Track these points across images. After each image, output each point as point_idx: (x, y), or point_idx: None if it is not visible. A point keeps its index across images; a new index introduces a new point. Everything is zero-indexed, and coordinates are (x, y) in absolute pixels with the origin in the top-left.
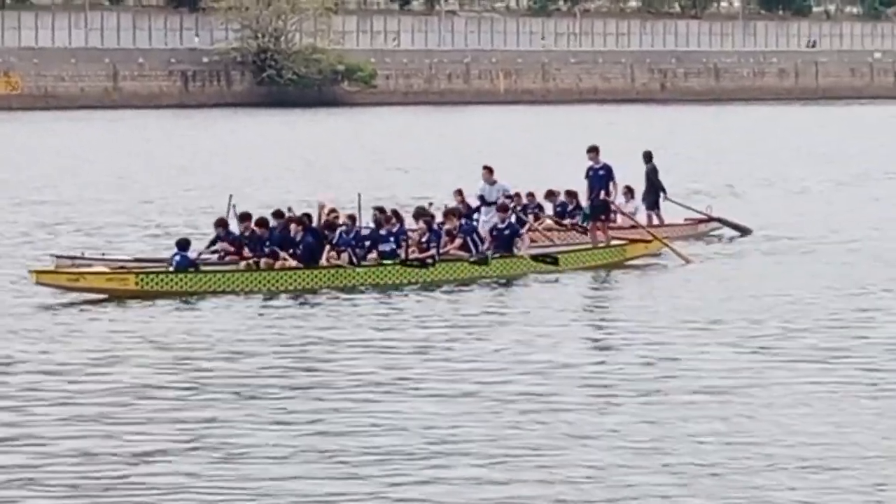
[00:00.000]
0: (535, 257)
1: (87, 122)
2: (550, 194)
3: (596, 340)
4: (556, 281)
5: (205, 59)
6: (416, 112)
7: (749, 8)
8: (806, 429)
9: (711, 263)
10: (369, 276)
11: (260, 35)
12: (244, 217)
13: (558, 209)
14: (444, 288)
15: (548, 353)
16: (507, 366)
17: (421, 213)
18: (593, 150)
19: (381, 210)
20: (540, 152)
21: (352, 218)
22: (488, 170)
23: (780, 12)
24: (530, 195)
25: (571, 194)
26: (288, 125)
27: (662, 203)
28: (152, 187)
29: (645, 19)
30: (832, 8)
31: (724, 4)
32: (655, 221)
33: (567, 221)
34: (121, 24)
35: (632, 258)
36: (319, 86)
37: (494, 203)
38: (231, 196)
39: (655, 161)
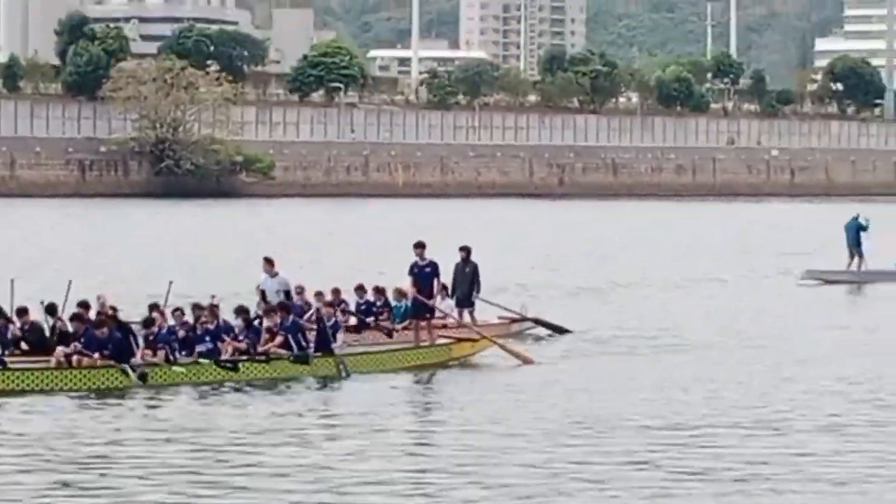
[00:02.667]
0: (353, 357)
1: None
2: (360, 289)
3: (411, 443)
4: (376, 381)
5: (102, 149)
6: (313, 204)
7: (647, 104)
8: None
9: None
10: (185, 375)
11: (158, 125)
12: (21, 312)
13: (363, 306)
14: (262, 386)
15: (362, 461)
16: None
17: (239, 311)
18: (420, 247)
19: (198, 307)
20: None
21: (180, 311)
22: (269, 262)
23: (678, 109)
24: (335, 291)
25: (380, 291)
26: (179, 216)
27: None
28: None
29: (543, 114)
30: (729, 105)
31: (622, 100)
32: (468, 319)
33: (370, 320)
34: (18, 112)
35: (458, 357)
36: (218, 176)
37: (279, 293)
38: (70, 282)
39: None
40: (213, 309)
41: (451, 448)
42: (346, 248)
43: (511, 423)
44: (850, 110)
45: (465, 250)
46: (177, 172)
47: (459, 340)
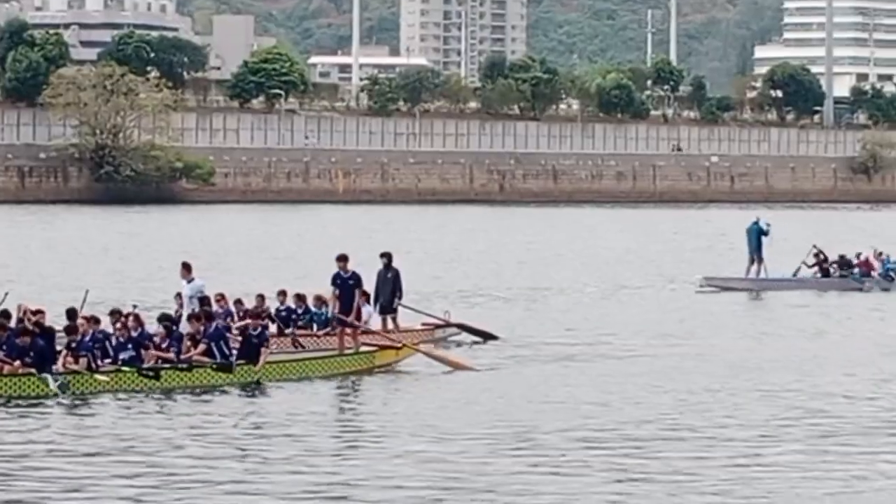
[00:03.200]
0: (284, 364)
1: None
2: (281, 294)
3: (334, 451)
4: (300, 388)
5: (42, 155)
6: (253, 210)
7: (587, 111)
8: None
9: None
10: (107, 384)
11: (98, 131)
12: None
13: (283, 313)
14: (188, 394)
15: (286, 469)
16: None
17: (161, 318)
18: (343, 259)
19: (117, 313)
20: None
21: (95, 320)
22: (186, 267)
23: (619, 115)
24: (259, 297)
25: (301, 297)
26: (117, 223)
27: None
28: None
29: (484, 120)
30: (669, 112)
31: (563, 107)
32: (391, 326)
33: (289, 330)
34: None
35: (382, 365)
36: (157, 183)
37: (193, 300)
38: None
39: (395, 263)
40: (137, 317)
41: (375, 456)
42: (279, 255)
43: (437, 430)
44: (790, 117)
45: (387, 256)
46: (117, 179)
47: (383, 348)
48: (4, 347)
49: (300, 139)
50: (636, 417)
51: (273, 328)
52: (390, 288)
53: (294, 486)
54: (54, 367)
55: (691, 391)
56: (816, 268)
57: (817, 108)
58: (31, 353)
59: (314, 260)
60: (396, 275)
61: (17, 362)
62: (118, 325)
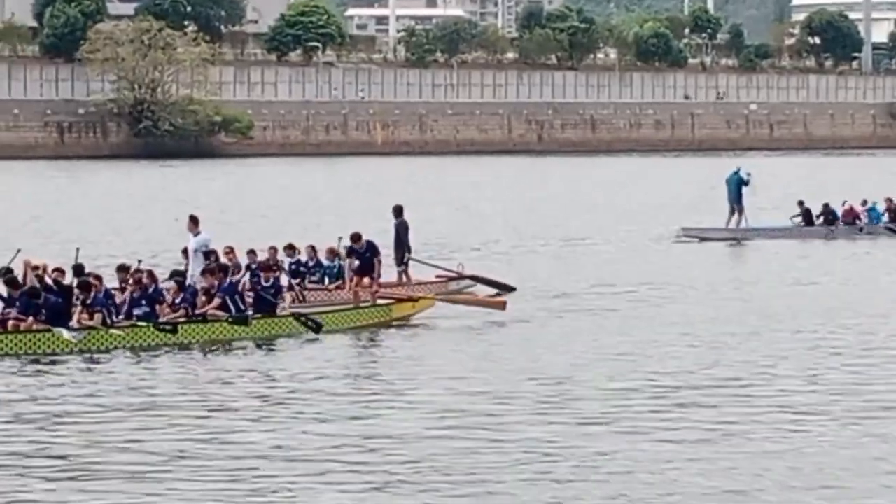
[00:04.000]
0: (298, 318)
1: None
2: (290, 248)
3: (355, 405)
4: (318, 341)
5: (81, 111)
6: (291, 163)
7: (625, 60)
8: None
9: (473, 322)
10: (122, 339)
11: (136, 86)
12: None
13: (293, 266)
14: (201, 349)
15: (306, 424)
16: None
17: (173, 274)
18: (356, 240)
19: (124, 269)
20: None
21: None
22: (193, 220)
23: (657, 64)
24: (272, 249)
25: (313, 249)
26: (155, 177)
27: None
28: None
29: (522, 70)
30: (707, 60)
31: (600, 56)
32: (403, 279)
33: (295, 282)
34: None
35: (399, 318)
36: (196, 137)
37: (198, 253)
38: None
39: (406, 216)
40: (151, 272)
41: (396, 410)
42: (315, 207)
43: (459, 382)
44: (828, 64)
45: (397, 210)
46: (155, 133)
47: (400, 301)
48: (18, 305)
49: (338, 92)
50: (673, 368)
51: (285, 280)
52: (401, 241)
53: (313, 440)
54: (70, 324)
55: (726, 342)
56: (800, 217)
57: (856, 54)
58: (44, 310)
59: (352, 212)
60: (406, 229)
61: (31, 319)
62: (131, 281)
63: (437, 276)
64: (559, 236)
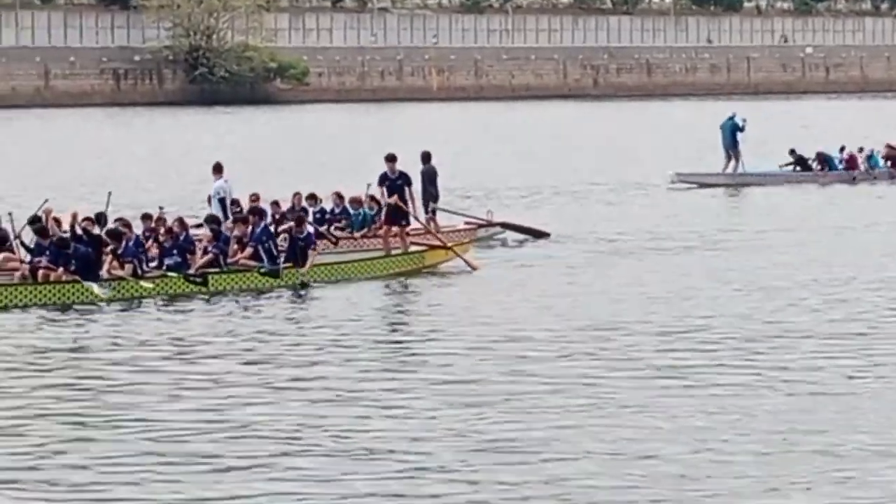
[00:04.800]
0: (330, 266)
1: (18, 121)
2: (311, 198)
3: (397, 348)
4: (349, 289)
5: (136, 58)
6: (348, 109)
7: (681, 3)
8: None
9: (502, 269)
10: (153, 290)
11: (192, 33)
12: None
13: (317, 215)
14: (233, 299)
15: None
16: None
17: (209, 220)
18: (391, 160)
19: (148, 217)
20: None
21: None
22: (217, 168)
23: (712, 8)
24: (296, 195)
25: (340, 197)
26: (211, 123)
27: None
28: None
29: (577, 15)
30: (763, 3)
31: (655, 0)
32: (431, 226)
33: (323, 228)
34: (52, 23)
35: (431, 265)
36: (252, 84)
37: (214, 200)
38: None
39: (434, 162)
40: (182, 220)
41: (437, 361)
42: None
43: (497, 328)
44: (885, 7)
45: (426, 155)
46: (211, 80)
47: (432, 248)
48: (48, 254)
49: (393, 38)
50: (712, 312)
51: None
52: (426, 189)
53: (347, 393)
54: (100, 273)
55: (762, 287)
56: (797, 165)
57: None
58: (74, 261)
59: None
60: (434, 175)
61: (61, 269)
62: (162, 230)
63: (467, 223)
64: (613, 181)
